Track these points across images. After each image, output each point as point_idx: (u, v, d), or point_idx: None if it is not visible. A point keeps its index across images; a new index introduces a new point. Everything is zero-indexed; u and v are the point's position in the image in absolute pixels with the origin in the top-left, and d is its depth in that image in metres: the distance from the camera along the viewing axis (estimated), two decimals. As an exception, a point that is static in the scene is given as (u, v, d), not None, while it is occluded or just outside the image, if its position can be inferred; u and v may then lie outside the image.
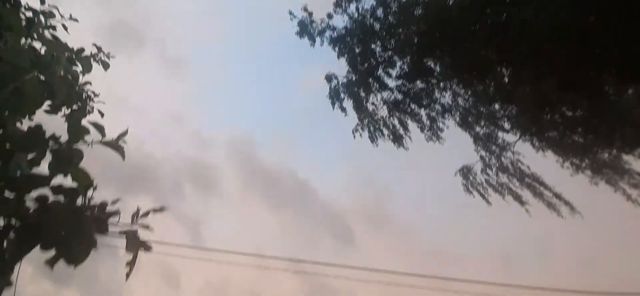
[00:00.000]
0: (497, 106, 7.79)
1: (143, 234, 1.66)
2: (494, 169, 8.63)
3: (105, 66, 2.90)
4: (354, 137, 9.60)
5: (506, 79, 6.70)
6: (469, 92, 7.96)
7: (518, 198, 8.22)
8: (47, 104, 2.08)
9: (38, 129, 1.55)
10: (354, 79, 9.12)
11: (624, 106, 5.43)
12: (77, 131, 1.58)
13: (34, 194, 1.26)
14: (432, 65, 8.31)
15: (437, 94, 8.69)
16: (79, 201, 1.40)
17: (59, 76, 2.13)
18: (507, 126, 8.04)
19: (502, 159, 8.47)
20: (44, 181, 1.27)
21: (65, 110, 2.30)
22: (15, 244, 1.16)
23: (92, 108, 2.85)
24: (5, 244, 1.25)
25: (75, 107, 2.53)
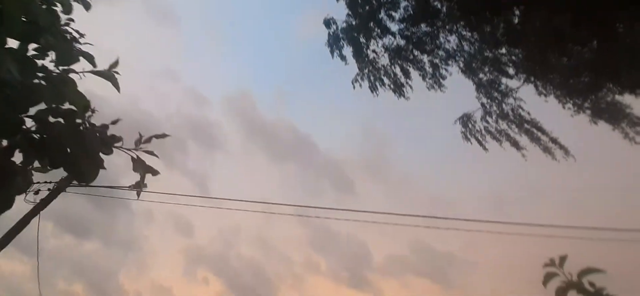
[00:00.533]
0: (503, 50, 7.54)
1: (148, 160, 1.68)
2: (494, 116, 8.63)
3: (87, 6, 2.72)
4: (354, 87, 9.41)
5: (516, 19, 6.39)
6: (476, 35, 7.64)
7: (515, 144, 8.34)
8: (33, 49, 1.98)
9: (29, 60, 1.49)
10: (354, 23, 8.69)
11: (635, 45, 5.24)
12: (68, 56, 1.52)
13: (32, 111, 1.24)
14: (439, 6, 7.86)
15: (441, 39, 8.35)
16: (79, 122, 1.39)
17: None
18: (511, 71, 7.86)
19: (503, 105, 8.42)
20: (39, 96, 1.24)
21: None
22: (23, 159, 1.18)
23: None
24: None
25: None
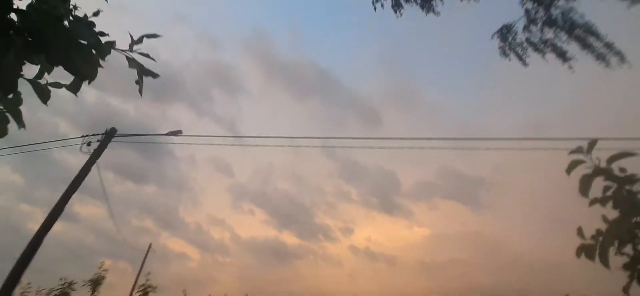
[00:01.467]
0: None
1: (144, 62, 1.73)
2: (539, 24, 7.58)
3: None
4: (375, 9, 8.52)
5: None
6: None
7: (562, 54, 7.41)
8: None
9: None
10: None
11: None
12: None
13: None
14: None
15: None
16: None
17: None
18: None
19: (552, 10, 7.29)
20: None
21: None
22: (14, 55, 1.24)
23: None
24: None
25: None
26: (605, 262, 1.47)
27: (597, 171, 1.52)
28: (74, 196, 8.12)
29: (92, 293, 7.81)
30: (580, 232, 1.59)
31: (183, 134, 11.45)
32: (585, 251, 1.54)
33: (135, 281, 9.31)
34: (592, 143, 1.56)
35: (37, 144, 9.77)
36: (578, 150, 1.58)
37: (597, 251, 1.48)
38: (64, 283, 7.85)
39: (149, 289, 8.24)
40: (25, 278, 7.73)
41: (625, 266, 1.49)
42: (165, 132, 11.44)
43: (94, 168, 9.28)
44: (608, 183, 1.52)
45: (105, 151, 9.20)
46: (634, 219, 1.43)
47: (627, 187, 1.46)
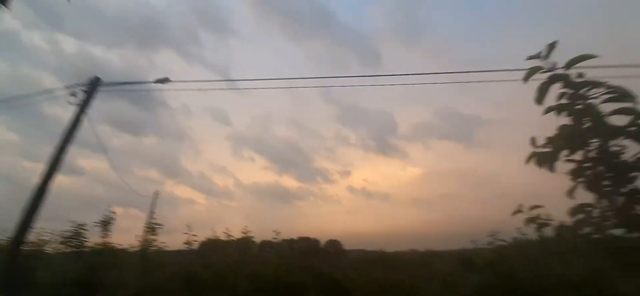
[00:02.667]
0: None
1: None
2: None
3: None
4: None
5: None
6: None
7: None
8: None
9: None
10: None
11: None
12: None
13: None
14: None
15: None
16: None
17: None
18: None
19: None
20: None
21: None
22: None
23: None
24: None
25: None
26: (551, 168, 1.47)
27: (555, 78, 1.42)
28: (78, 151, 8.24)
29: (102, 232, 8.41)
30: (533, 141, 1.56)
31: (171, 81, 11.09)
32: (535, 158, 1.54)
33: (147, 222, 10.07)
34: (552, 45, 1.43)
35: (21, 97, 9.55)
36: (536, 56, 1.46)
37: (547, 158, 1.47)
38: (76, 225, 8.39)
39: (155, 226, 8.90)
40: (39, 226, 8.28)
41: (571, 172, 1.50)
42: (152, 81, 11.08)
43: (92, 123, 9.23)
44: (565, 90, 1.44)
45: (98, 104, 9.03)
46: (586, 125, 1.38)
47: (583, 91, 1.38)
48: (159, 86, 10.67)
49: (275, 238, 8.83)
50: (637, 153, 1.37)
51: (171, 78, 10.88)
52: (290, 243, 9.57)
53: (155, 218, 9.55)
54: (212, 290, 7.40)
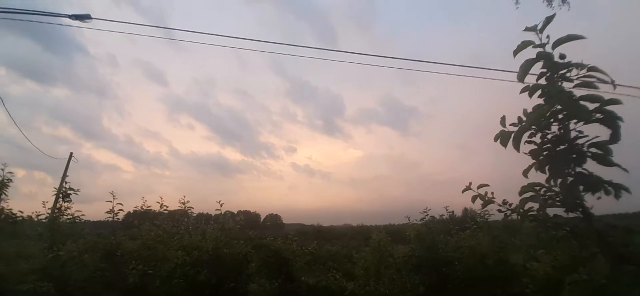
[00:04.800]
0: None
1: None
2: None
3: None
4: None
5: None
6: None
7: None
8: None
9: None
10: None
11: None
12: None
13: None
14: None
15: None
16: None
17: None
18: None
19: None
20: None
21: None
22: None
23: None
24: None
25: None
26: (516, 147, 1.61)
27: (540, 56, 1.51)
28: None
29: None
30: (502, 121, 1.69)
31: (92, 19, 9.22)
32: (501, 137, 1.67)
33: (59, 187, 8.51)
34: (549, 18, 1.51)
35: None
36: (532, 28, 1.53)
37: (511, 138, 1.60)
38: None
39: (69, 192, 7.60)
40: None
41: (531, 152, 1.66)
42: (67, 14, 9.03)
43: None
44: (544, 69, 1.55)
45: None
46: (553, 108, 1.53)
47: (561, 73, 1.50)
48: (76, 23, 8.80)
49: (217, 210, 8.39)
50: (591, 138, 1.54)
51: (93, 15, 9.06)
52: (230, 216, 9.23)
53: (68, 184, 8.00)
54: (141, 263, 6.75)
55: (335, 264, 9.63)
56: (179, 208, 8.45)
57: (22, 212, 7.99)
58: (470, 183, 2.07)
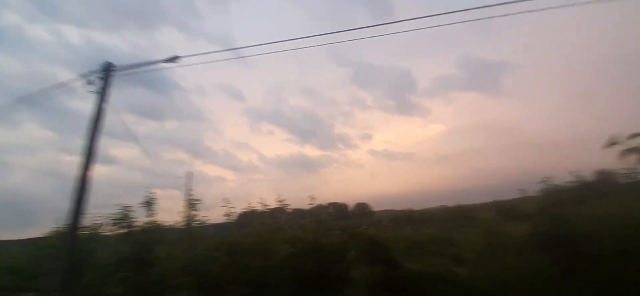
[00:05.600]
0: None
1: None
2: None
3: None
4: None
5: None
6: None
7: None
8: None
9: None
10: None
11: None
12: None
13: None
14: None
15: None
16: None
17: None
18: None
19: None
20: None
21: None
22: None
23: None
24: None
25: None
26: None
27: None
28: (109, 142, 8.36)
29: (146, 212, 8.96)
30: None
31: (180, 57, 10.86)
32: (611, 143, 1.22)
33: (186, 200, 10.59)
34: None
35: (41, 92, 9.78)
36: None
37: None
38: (122, 208, 8.94)
39: (194, 202, 9.38)
40: (90, 212, 8.86)
41: None
42: (162, 60, 10.88)
43: (116, 110, 9.39)
44: None
45: (116, 93, 9.03)
46: None
47: None
48: (170, 65, 10.50)
49: (310, 204, 8.90)
50: None
51: (178, 55, 10.68)
52: (320, 208, 9.61)
53: (192, 196, 9.93)
54: (254, 256, 7.69)
55: (437, 248, 9.04)
56: (276, 206, 9.31)
57: (165, 222, 10.17)
58: (614, 136, 1.57)
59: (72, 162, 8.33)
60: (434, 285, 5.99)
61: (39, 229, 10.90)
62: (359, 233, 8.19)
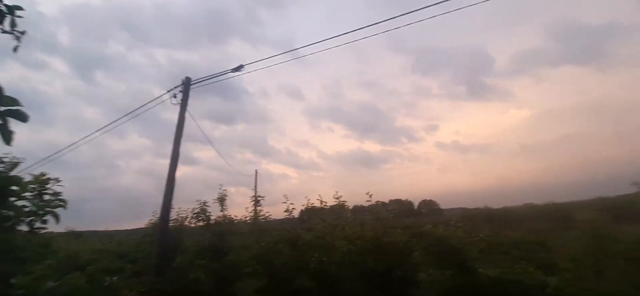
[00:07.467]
0: None
1: None
2: None
3: None
4: None
5: None
6: None
7: None
8: None
9: None
10: None
11: None
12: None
13: None
14: None
15: None
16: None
17: None
18: None
19: None
20: None
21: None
22: None
23: None
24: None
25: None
26: None
27: None
28: (191, 145, 9.62)
29: (220, 207, 10.09)
30: None
31: (244, 65, 11.68)
32: None
33: (254, 195, 11.59)
34: None
35: (140, 108, 11.68)
36: None
37: None
38: (200, 203, 10.23)
39: (258, 198, 10.28)
40: (178, 206, 10.41)
41: None
42: (229, 70, 11.88)
43: (194, 119, 10.75)
44: None
45: (196, 103, 10.28)
46: None
47: None
48: (236, 74, 11.42)
49: (368, 201, 8.66)
50: None
51: (243, 64, 11.56)
52: (382, 205, 9.24)
53: (258, 193, 10.92)
54: (314, 250, 7.85)
55: (522, 253, 7.84)
56: (336, 203, 9.32)
57: (236, 216, 11.21)
58: None
59: (164, 164, 9.84)
60: (514, 294, 5.19)
61: (142, 222, 13.15)
62: (424, 232, 7.62)
